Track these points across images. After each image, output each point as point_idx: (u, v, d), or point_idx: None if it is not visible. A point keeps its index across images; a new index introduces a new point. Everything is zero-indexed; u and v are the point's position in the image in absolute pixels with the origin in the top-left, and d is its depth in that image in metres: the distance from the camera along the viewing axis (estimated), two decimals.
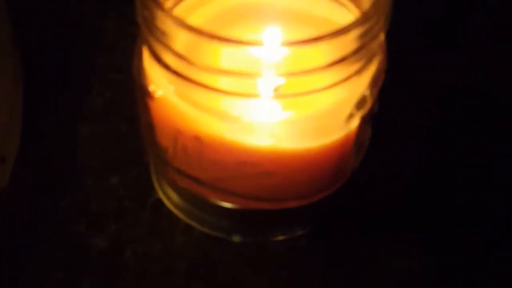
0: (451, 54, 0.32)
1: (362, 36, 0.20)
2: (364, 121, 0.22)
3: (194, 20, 0.24)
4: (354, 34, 0.20)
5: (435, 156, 0.28)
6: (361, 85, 0.21)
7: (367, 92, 0.22)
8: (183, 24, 0.20)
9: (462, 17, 0.34)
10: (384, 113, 0.24)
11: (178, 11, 0.24)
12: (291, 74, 0.21)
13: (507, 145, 0.29)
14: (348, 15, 0.23)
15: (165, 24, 0.20)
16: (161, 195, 0.26)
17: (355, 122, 0.22)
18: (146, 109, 0.23)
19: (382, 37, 0.22)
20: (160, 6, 0.20)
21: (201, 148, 0.22)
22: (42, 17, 0.33)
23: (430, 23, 0.33)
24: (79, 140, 0.29)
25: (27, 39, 0.31)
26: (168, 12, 0.21)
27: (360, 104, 0.22)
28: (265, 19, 0.25)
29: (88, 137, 0.29)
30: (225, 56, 0.22)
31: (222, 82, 0.21)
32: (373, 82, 0.22)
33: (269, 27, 0.24)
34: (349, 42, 0.20)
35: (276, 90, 0.21)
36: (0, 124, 0.26)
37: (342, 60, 0.20)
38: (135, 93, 0.24)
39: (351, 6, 0.23)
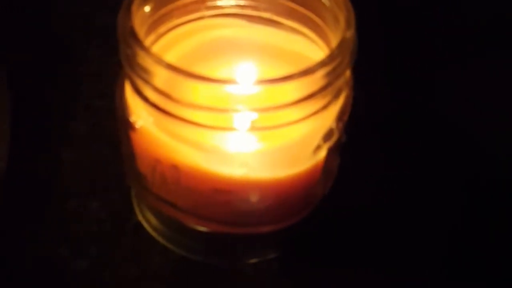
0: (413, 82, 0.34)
1: (329, 74, 0.22)
2: (331, 152, 0.24)
3: (172, 55, 0.26)
4: (321, 73, 0.21)
5: (403, 182, 0.29)
6: (328, 118, 0.23)
7: (334, 125, 0.23)
8: (162, 62, 0.22)
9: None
10: (352, 142, 0.26)
11: (157, 47, 0.25)
12: (262, 110, 0.22)
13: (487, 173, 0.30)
14: (318, 52, 0.25)
15: (146, 61, 0.22)
16: (141, 218, 0.28)
17: (322, 153, 0.23)
18: (127, 138, 0.25)
19: (348, 74, 0.23)
20: (141, 45, 0.22)
21: (178, 176, 0.23)
22: (29, 44, 0.35)
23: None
24: (63, 164, 0.30)
25: (14, 66, 0.32)
26: (149, 51, 0.22)
27: (327, 136, 0.23)
28: (240, 54, 0.26)
29: (71, 162, 0.30)
30: (202, 90, 0.23)
31: (198, 115, 0.22)
32: (340, 116, 0.23)
33: (244, 61, 0.26)
34: (316, 80, 0.22)
35: (248, 123, 0.23)
36: None
37: (310, 97, 0.22)
38: (117, 122, 0.25)
39: (321, 43, 0.25)
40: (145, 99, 0.23)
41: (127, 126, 0.24)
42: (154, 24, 0.25)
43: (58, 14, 0.36)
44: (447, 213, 0.29)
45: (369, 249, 0.27)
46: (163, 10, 0.25)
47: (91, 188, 0.29)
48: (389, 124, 0.31)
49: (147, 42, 0.24)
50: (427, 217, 0.28)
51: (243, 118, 0.23)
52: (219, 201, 0.23)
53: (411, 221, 0.28)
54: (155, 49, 0.25)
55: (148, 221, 0.27)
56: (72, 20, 0.36)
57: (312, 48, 0.26)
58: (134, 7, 0.23)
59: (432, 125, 0.32)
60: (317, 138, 0.23)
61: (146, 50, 0.22)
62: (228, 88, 0.23)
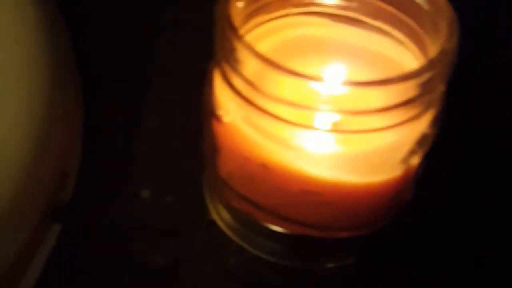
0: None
1: (426, 83, 0.21)
2: (423, 157, 0.23)
3: (261, 48, 0.25)
4: (418, 81, 0.20)
5: (488, 191, 0.29)
6: (422, 124, 0.22)
7: (428, 131, 0.22)
8: (257, 54, 0.21)
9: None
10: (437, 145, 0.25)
11: (248, 39, 0.25)
12: (349, 113, 0.21)
13: None
14: (410, 57, 0.24)
15: (240, 52, 0.22)
16: (214, 215, 0.27)
17: (415, 159, 0.23)
18: (212, 133, 0.24)
19: (443, 85, 0.22)
20: (237, 35, 0.22)
21: (267, 175, 0.23)
22: (99, 37, 0.35)
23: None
24: (136, 157, 0.30)
25: (86, 61, 0.32)
26: (244, 41, 0.22)
27: (421, 142, 0.22)
28: (329, 52, 0.26)
29: (144, 155, 0.30)
30: (289, 85, 0.23)
31: (285, 111, 0.22)
32: (434, 121, 0.23)
33: (333, 61, 0.25)
34: (411, 88, 0.21)
35: (335, 124, 0.22)
36: (64, 141, 0.28)
37: (402, 105, 0.21)
38: (203, 116, 0.25)
39: (416, 50, 0.24)
40: (235, 91, 0.22)
41: (213, 119, 0.24)
42: (243, 20, 0.25)
43: (128, 7, 0.37)
44: None
45: (448, 259, 0.26)
46: (252, 7, 0.25)
47: (165, 182, 0.29)
48: (473, 128, 0.30)
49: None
50: None
51: (328, 119, 0.22)
52: (305, 202, 0.23)
53: (495, 229, 0.27)
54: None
55: (222, 218, 0.27)
56: (142, 14, 0.36)
57: (400, 51, 0.25)
58: (232, 1, 0.22)
59: None
60: (411, 144, 0.22)
61: (242, 40, 0.21)
62: (315, 85, 0.22)
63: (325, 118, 0.22)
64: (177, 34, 0.35)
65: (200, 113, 0.31)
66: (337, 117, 0.22)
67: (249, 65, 0.22)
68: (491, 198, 0.28)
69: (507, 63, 0.34)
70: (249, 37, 0.25)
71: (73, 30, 0.32)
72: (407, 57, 0.25)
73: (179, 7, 0.37)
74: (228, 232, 0.27)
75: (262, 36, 0.26)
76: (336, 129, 0.22)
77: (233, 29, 0.22)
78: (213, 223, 0.27)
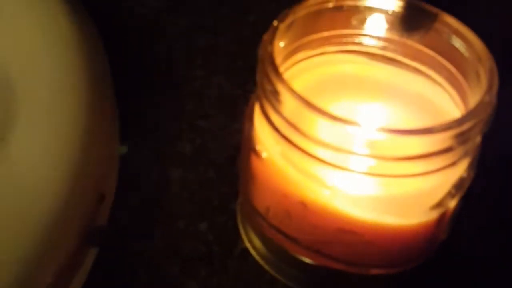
0: None
1: (464, 133, 0.21)
2: (460, 200, 0.24)
3: (299, 84, 0.26)
4: (457, 131, 0.21)
5: None
6: (460, 169, 0.23)
7: (465, 175, 0.23)
8: (297, 96, 0.22)
9: None
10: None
11: (287, 75, 0.25)
12: (386, 159, 0.22)
13: None
14: (446, 98, 0.25)
15: (282, 93, 0.22)
16: (247, 244, 0.28)
17: (454, 201, 0.23)
18: (250, 166, 0.25)
19: (482, 134, 0.22)
20: (279, 76, 0.22)
21: (304, 212, 0.23)
22: (131, 65, 0.35)
23: None
24: (171, 184, 0.30)
25: (121, 89, 0.33)
26: (286, 83, 0.22)
27: (458, 186, 0.23)
28: (366, 90, 0.26)
29: (178, 182, 0.30)
30: (327, 126, 0.23)
31: (323, 151, 0.22)
32: (471, 166, 0.23)
33: (370, 98, 0.26)
34: (450, 137, 0.21)
35: (371, 168, 0.22)
36: (101, 167, 0.28)
37: (440, 153, 0.21)
38: (241, 149, 0.25)
39: (453, 92, 0.24)
40: (274, 127, 0.23)
41: (252, 153, 0.24)
42: (284, 58, 0.25)
43: (160, 34, 0.37)
44: None
45: None
46: (293, 46, 0.25)
47: (198, 209, 0.29)
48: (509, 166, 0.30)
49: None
50: None
51: (363, 162, 0.22)
52: (342, 241, 0.23)
53: None
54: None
55: (255, 247, 0.27)
56: (175, 40, 0.37)
57: (437, 92, 0.25)
58: (276, 41, 0.23)
59: None
60: (447, 188, 0.23)
61: (282, 80, 0.22)
62: (357, 131, 0.23)
63: (361, 161, 0.22)
64: (210, 60, 0.36)
65: (233, 139, 0.32)
66: (373, 161, 0.22)
67: (289, 104, 0.22)
68: None
69: None
70: (289, 74, 0.26)
71: (111, 56, 0.33)
72: (444, 99, 0.25)
73: (212, 33, 0.37)
74: (261, 261, 0.27)
75: (300, 72, 0.26)
76: (372, 172, 0.22)
77: (275, 70, 0.22)
78: (246, 251, 0.28)
